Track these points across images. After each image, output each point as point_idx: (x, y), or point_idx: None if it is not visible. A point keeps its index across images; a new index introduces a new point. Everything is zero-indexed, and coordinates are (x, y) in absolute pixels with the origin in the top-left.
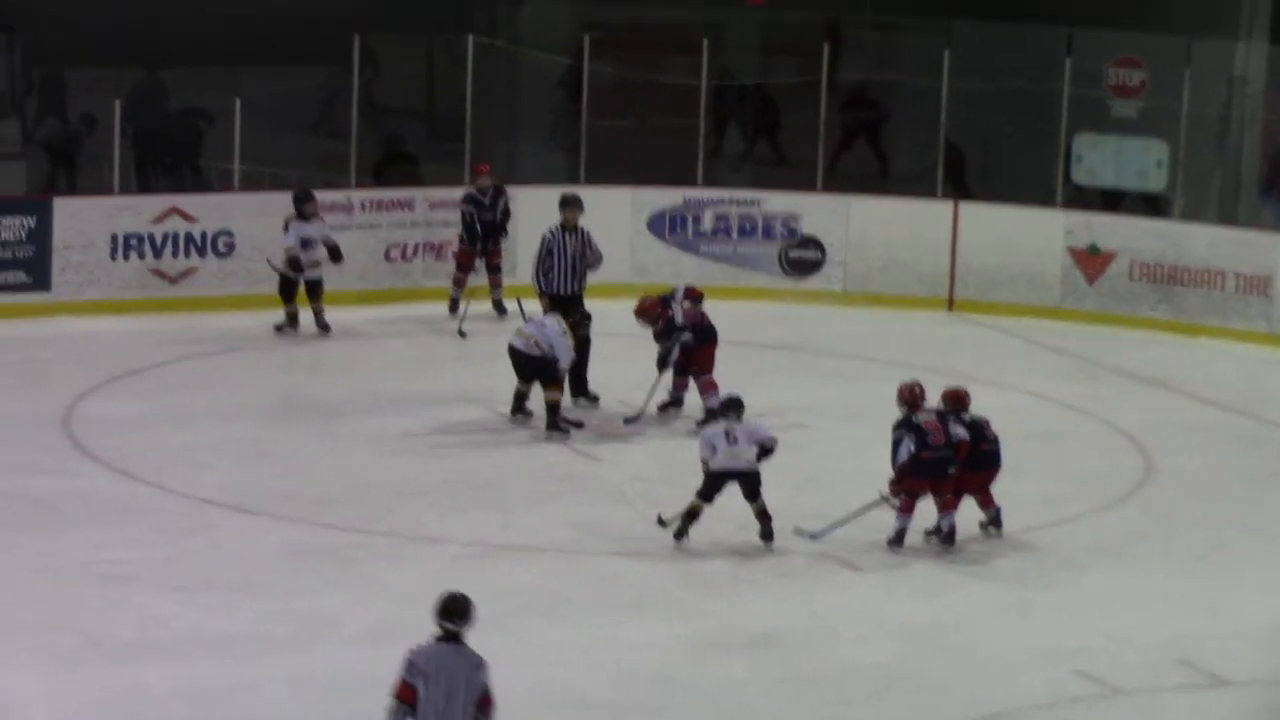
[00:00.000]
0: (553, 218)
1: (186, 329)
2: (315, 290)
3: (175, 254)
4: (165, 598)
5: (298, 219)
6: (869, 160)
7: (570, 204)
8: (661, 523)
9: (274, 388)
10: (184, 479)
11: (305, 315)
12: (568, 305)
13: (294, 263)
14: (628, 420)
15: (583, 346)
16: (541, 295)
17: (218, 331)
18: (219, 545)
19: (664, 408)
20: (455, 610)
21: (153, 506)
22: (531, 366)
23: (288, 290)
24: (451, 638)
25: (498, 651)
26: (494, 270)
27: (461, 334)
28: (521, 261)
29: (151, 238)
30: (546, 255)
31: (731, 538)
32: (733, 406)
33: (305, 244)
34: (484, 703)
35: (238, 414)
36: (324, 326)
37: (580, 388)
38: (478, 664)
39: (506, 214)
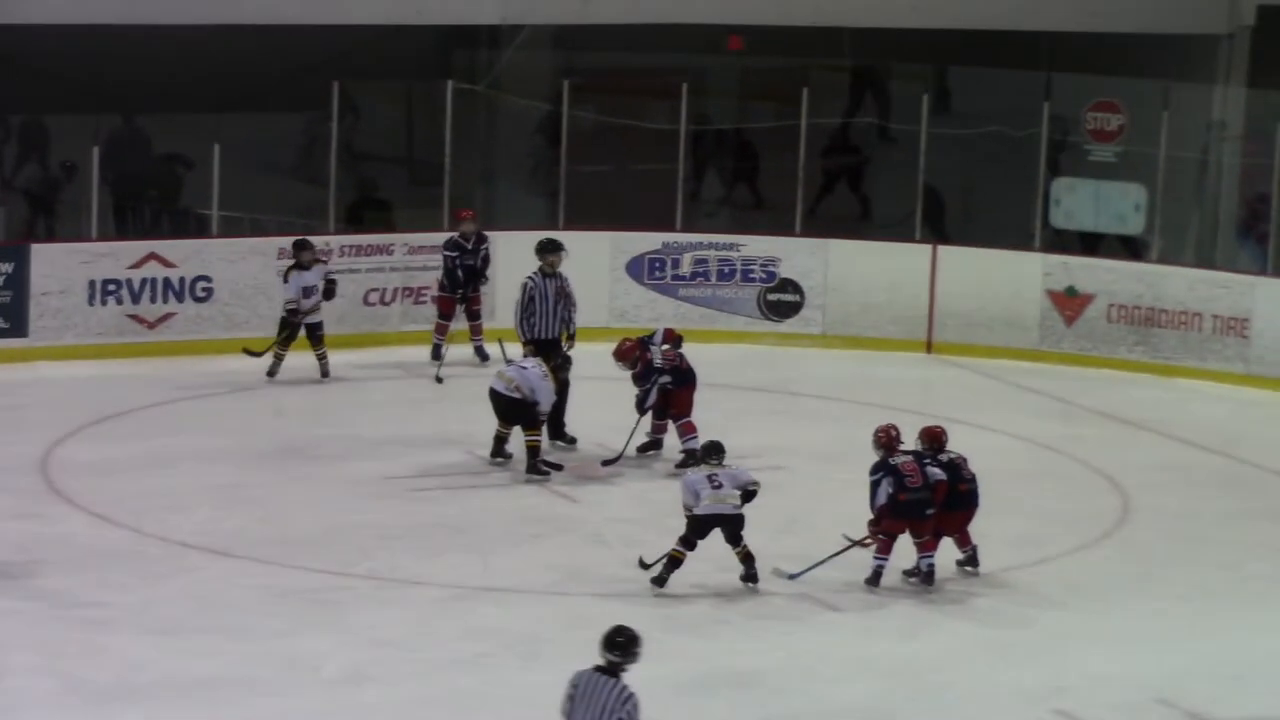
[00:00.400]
0: (533, 262)
1: (164, 373)
2: (317, 335)
3: (154, 299)
4: (144, 641)
5: (297, 269)
6: (850, 204)
7: (552, 249)
8: (643, 565)
9: (253, 431)
10: (162, 523)
11: (293, 360)
12: (549, 348)
13: (293, 313)
14: (606, 462)
15: (562, 389)
16: (526, 343)
17: (196, 376)
18: (198, 589)
19: (643, 450)
20: (614, 644)
21: (131, 550)
22: (512, 409)
23: (288, 336)
24: (608, 669)
25: (475, 693)
26: (474, 317)
27: (439, 380)
28: (500, 306)
29: (130, 283)
30: (529, 302)
31: (711, 579)
32: (714, 451)
33: (307, 292)
34: None
35: (216, 457)
36: (325, 373)
37: (558, 430)
38: (624, 700)
39: (487, 260)
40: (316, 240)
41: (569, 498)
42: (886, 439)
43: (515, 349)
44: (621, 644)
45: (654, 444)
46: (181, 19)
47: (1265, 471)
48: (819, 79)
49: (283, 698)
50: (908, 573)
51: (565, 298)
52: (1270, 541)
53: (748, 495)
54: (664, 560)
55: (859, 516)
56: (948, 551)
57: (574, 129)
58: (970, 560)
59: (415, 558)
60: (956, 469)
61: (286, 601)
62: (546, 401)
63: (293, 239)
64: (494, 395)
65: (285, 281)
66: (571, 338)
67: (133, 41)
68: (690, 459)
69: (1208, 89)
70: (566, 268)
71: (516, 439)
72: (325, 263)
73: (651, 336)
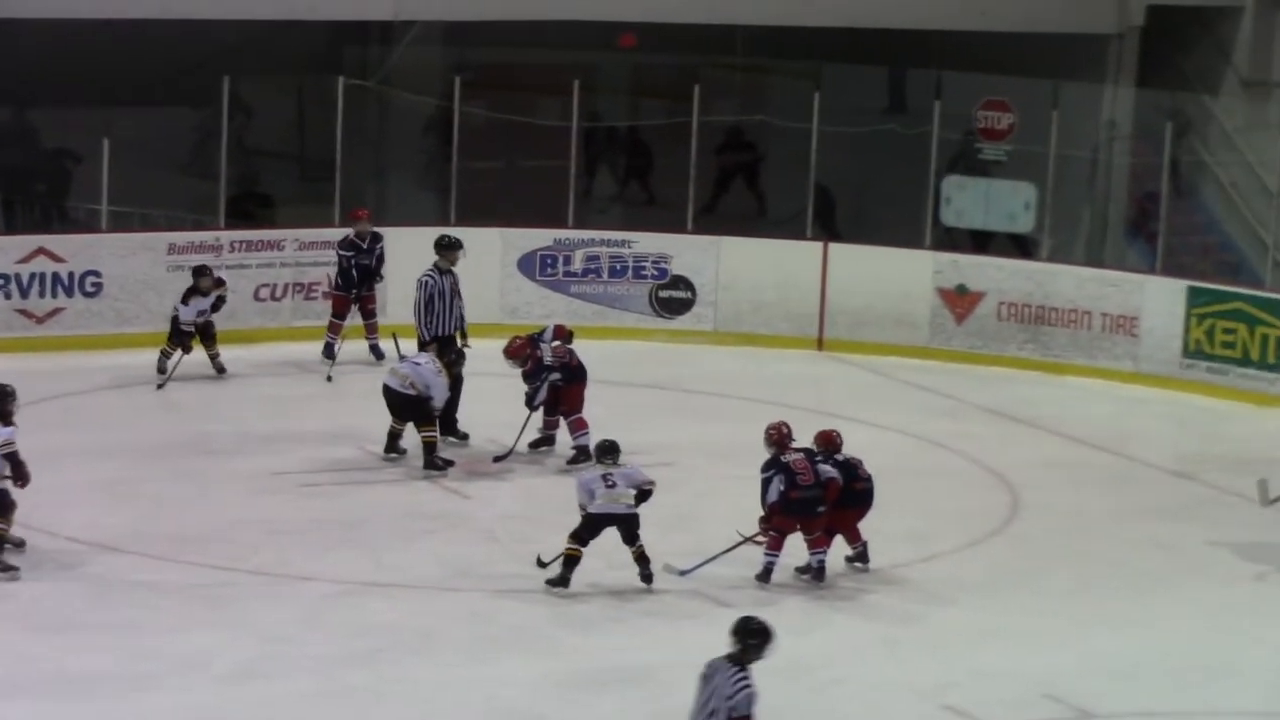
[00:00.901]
0: (425, 258)
1: (53, 369)
2: (209, 334)
3: (42, 294)
4: (32, 638)
5: (196, 293)
6: (745, 201)
7: (453, 246)
8: (541, 564)
9: (142, 427)
10: (50, 518)
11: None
12: (446, 345)
13: (188, 334)
14: (497, 458)
15: (455, 385)
16: (426, 343)
17: (85, 371)
18: (86, 584)
19: (535, 445)
20: (740, 632)
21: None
22: (406, 405)
23: (181, 340)
24: (735, 659)
25: (368, 688)
26: (369, 315)
27: (329, 379)
28: (391, 303)
29: (18, 277)
30: (429, 300)
31: (603, 576)
32: (608, 451)
33: (201, 314)
34: None
35: (106, 453)
36: (221, 369)
37: (450, 426)
38: (739, 688)
39: (382, 259)
40: (207, 235)
41: (460, 494)
42: (778, 436)
43: (409, 344)
44: (743, 633)
45: (546, 440)
46: (72, 13)
47: (1153, 469)
48: (710, 77)
49: (173, 694)
50: (800, 570)
51: (458, 295)
52: (1157, 538)
53: (643, 495)
54: (560, 558)
55: (750, 513)
56: (838, 548)
57: (465, 125)
58: (860, 556)
59: (305, 553)
60: (853, 468)
61: (176, 597)
62: (440, 396)
63: (193, 257)
64: (388, 391)
65: (184, 304)
66: (464, 334)
67: (22, 34)
68: (582, 455)
69: (1098, 88)
70: (461, 263)
71: (409, 435)
72: (224, 284)
73: (542, 333)
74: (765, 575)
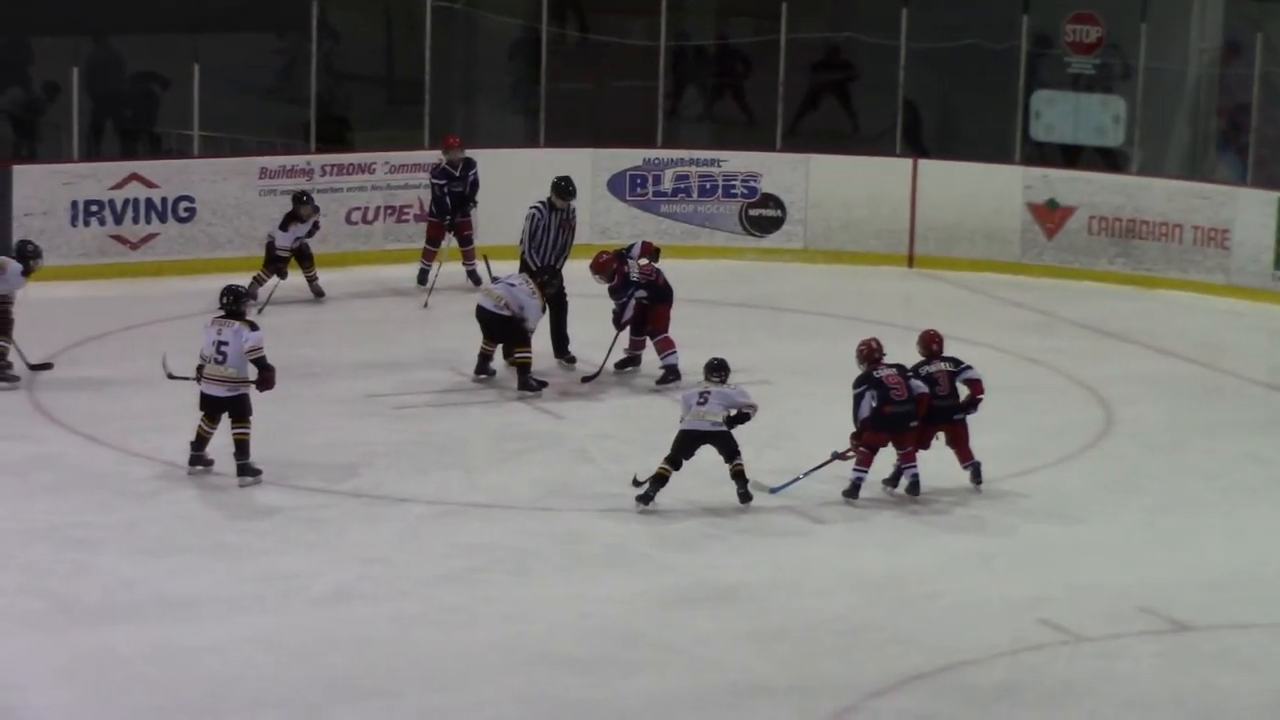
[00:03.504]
0: (514, 180)
1: (148, 294)
2: (306, 256)
3: (136, 220)
4: (132, 561)
5: (296, 220)
6: (835, 119)
7: (563, 194)
8: (636, 483)
9: None
10: (149, 443)
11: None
12: (540, 271)
13: (283, 259)
14: (585, 378)
15: (561, 307)
16: (532, 271)
17: (180, 296)
18: (184, 508)
19: (620, 366)
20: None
21: (117, 471)
22: (499, 326)
23: (277, 265)
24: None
25: (464, 609)
26: (465, 242)
27: (425, 306)
28: (484, 224)
29: (112, 204)
30: (535, 232)
31: (695, 494)
32: (716, 369)
33: (295, 240)
34: None
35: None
36: (319, 293)
37: (561, 348)
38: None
39: (475, 185)
40: (298, 159)
41: (554, 414)
42: (869, 352)
43: (501, 267)
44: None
45: (632, 360)
46: None
47: (1246, 381)
48: None
49: (272, 616)
50: (886, 481)
51: (569, 229)
52: (1251, 451)
53: (741, 417)
54: (651, 478)
55: (843, 430)
56: (930, 463)
57: (553, 46)
58: (974, 475)
59: (401, 475)
60: (934, 382)
61: (274, 520)
62: (534, 318)
63: (285, 181)
64: (481, 312)
65: (282, 230)
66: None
67: None
68: (671, 375)
69: (1186, 1)
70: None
71: (499, 360)
72: (319, 212)
73: (629, 250)
74: (854, 491)
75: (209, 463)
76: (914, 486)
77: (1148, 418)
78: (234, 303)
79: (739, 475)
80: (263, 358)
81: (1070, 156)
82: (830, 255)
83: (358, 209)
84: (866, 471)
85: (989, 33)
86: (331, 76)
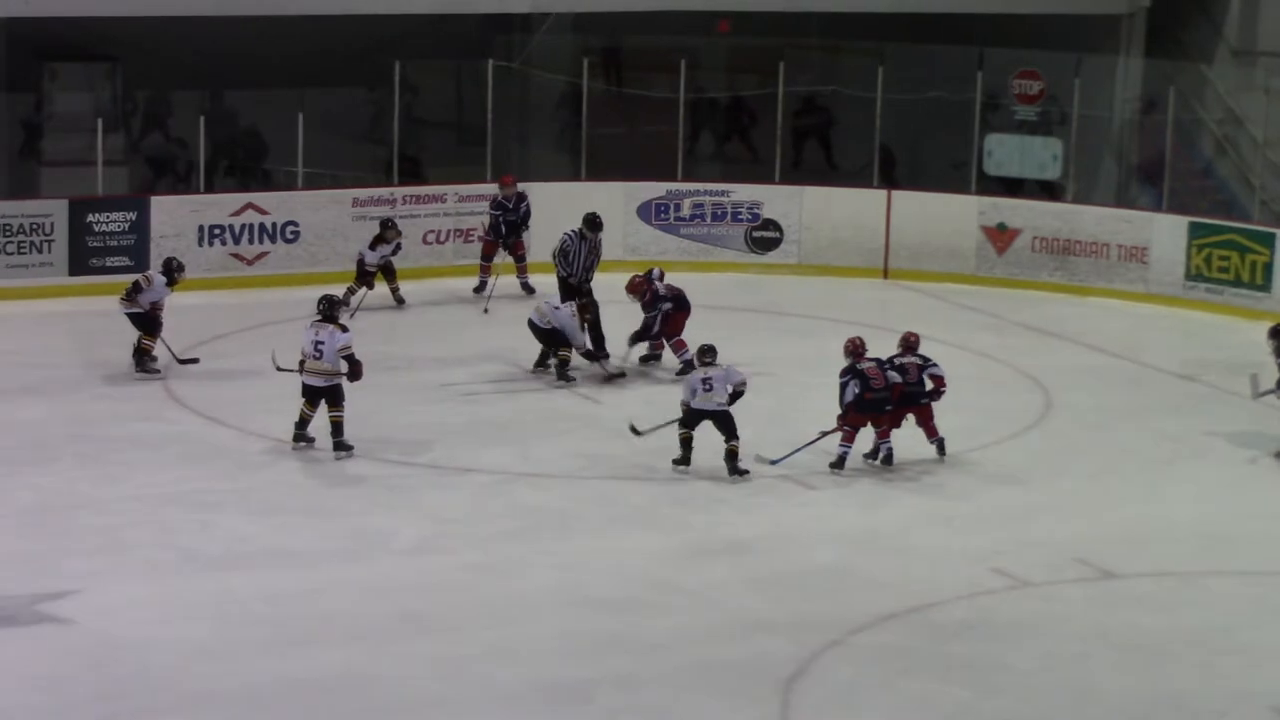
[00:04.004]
0: (561, 210)
1: (261, 301)
2: (391, 271)
3: (251, 241)
4: (247, 520)
5: (383, 242)
6: (819, 158)
7: (592, 226)
8: (635, 431)
9: None
10: (261, 423)
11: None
12: (574, 291)
13: (367, 274)
14: (610, 376)
15: (595, 325)
16: (563, 279)
17: (286, 303)
18: (290, 477)
19: (645, 360)
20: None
21: (236, 446)
22: (546, 336)
23: (365, 279)
24: None
25: (521, 559)
26: (520, 259)
27: (485, 311)
28: (534, 247)
29: (231, 227)
30: (564, 252)
31: (709, 463)
32: (707, 352)
33: (382, 257)
34: None
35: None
36: (401, 301)
37: (599, 346)
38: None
39: (527, 215)
40: (383, 191)
41: (592, 399)
42: (853, 348)
43: (539, 280)
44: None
45: (654, 356)
46: (269, 10)
47: (1162, 373)
48: (792, 55)
49: (363, 565)
50: (867, 455)
51: (596, 254)
52: (1167, 430)
53: (736, 394)
54: (681, 441)
55: (830, 412)
56: (902, 439)
57: (592, 98)
58: (939, 448)
59: (468, 449)
60: (905, 372)
61: (364, 486)
62: (576, 339)
63: (373, 209)
64: (532, 325)
65: (371, 250)
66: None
67: (230, 29)
68: (688, 368)
69: (1112, 59)
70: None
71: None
72: (401, 235)
73: (651, 272)
74: (840, 463)
75: (310, 440)
76: (888, 458)
77: (1081, 402)
78: (329, 309)
79: (732, 455)
80: (352, 355)
81: (1016, 188)
82: (820, 269)
83: (432, 231)
84: (850, 447)
85: (950, 86)
86: (411, 123)
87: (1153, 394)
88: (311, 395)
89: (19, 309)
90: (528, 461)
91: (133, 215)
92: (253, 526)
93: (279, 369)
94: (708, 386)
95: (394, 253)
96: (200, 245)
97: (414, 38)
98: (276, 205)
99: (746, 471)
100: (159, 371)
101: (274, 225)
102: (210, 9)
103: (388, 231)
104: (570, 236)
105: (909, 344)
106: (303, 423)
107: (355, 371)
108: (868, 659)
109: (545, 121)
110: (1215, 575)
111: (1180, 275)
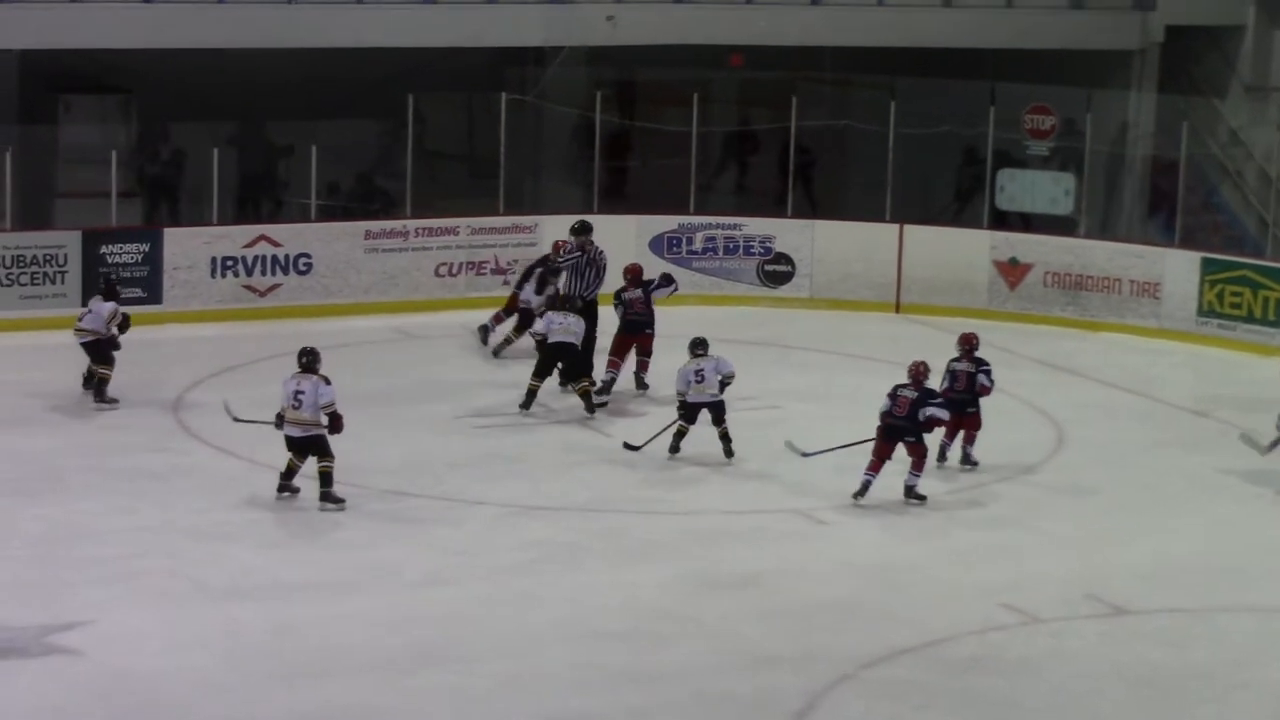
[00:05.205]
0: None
1: (273, 333)
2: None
3: (264, 272)
4: (256, 552)
5: (548, 287)
6: (827, 195)
7: (585, 229)
8: (629, 447)
9: (345, 379)
10: (271, 456)
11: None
12: (567, 302)
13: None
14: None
15: (589, 340)
16: (559, 303)
17: (298, 335)
18: (300, 508)
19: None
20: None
21: (245, 477)
22: (568, 355)
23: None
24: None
25: (530, 593)
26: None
27: (497, 356)
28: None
29: (244, 259)
30: (570, 272)
31: (718, 501)
32: (698, 345)
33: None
34: None
35: None
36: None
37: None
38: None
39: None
40: (395, 223)
41: (603, 432)
42: (916, 372)
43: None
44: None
45: (609, 383)
46: (283, 43)
47: (1174, 408)
48: (804, 90)
49: (373, 597)
50: (939, 459)
51: (594, 266)
52: (1179, 466)
53: (725, 383)
54: (674, 433)
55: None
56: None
57: (605, 131)
58: (965, 457)
59: (479, 482)
60: (955, 378)
61: (375, 518)
62: (583, 333)
63: (379, 230)
64: (560, 348)
65: (537, 293)
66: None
67: (245, 61)
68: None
69: (1125, 94)
70: (602, 242)
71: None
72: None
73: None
74: (863, 492)
75: (295, 490)
76: (910, 492)
77: (1093, 437)
78: (311, 361)
79: (725, 436)
80: (335, 410)
81: (1028, 222)
82: (831, 303)
83: (444, 264)
84: (874, 476)
85: (962, 121)
86: (423, 155)
87: (1165, 430)
88: (294, 447)
89: (32, 340)
90: (538, 494)
91: (146, 247)
92: (262, 558)
93: (235, 420)
94: (699, 378)
95: (549, 303)
96: (213, 277)
97: (427, 70)
98: (289, 237)
99: (734, 454)
100: (116, 401)
101: (286, 257)
102: (223, 41)
103: (553, 277)
104: (572, 256)
105: (966, 344)
106: (289, 473)
107: (336, 426)
108: (878, 694)
109: (558, 154)
110: (1227, 611)
111: (1192, 311)
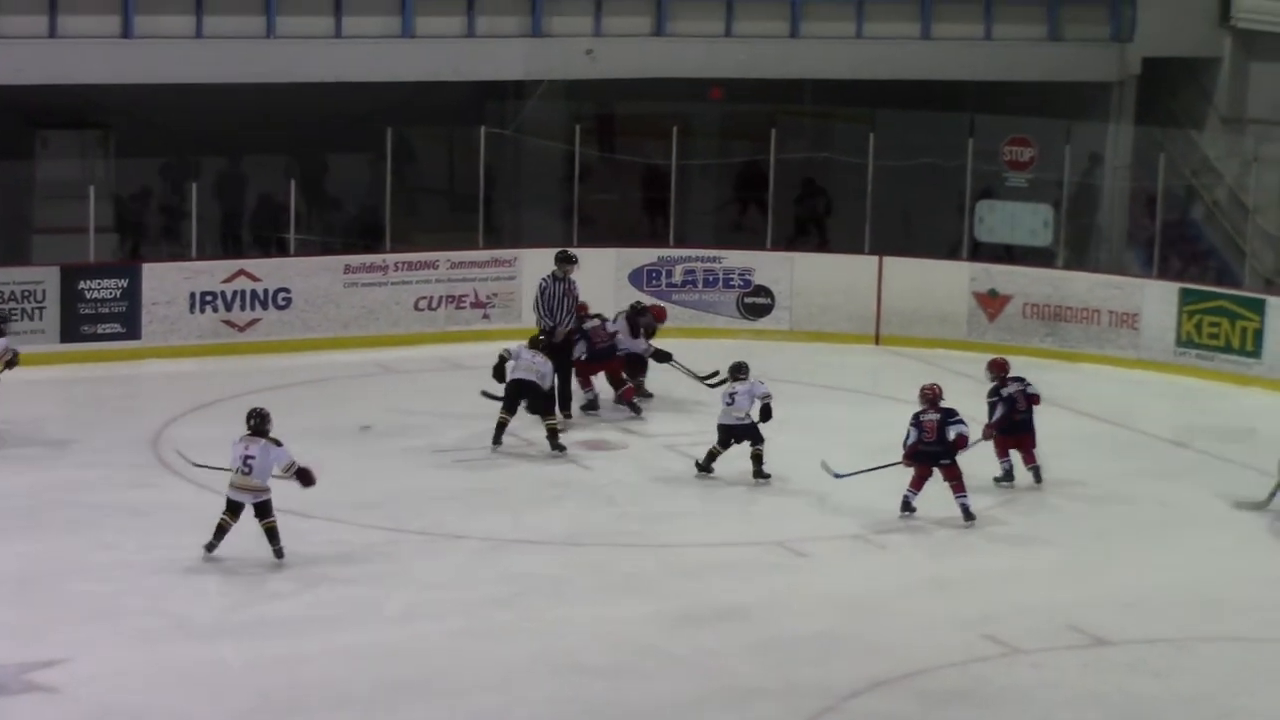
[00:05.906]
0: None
1: (252, 368)
2: (640, 367)
3: (243, 307)
4: (237, 587)
5: (645, 330)
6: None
7: (567, 260)
8: (699, 466)
9: (324, 414)
10: None
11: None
12: (561, 346)
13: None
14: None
15: (565, 372)
16: (547, 334)
17: (278, 370)
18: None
19: (585, 409)
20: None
21: None
22: (533, 393)
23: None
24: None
25: (511, 626)
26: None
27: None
28: (525, 309)
29: (223, 294)
30: (543, 299)
31: (699, 532)
32: (738, 370)
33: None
34: None
35: (295, 436)
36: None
37: (564, 406)
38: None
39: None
40: (375, 258)
41: (582, 464)
42: (932, 394)
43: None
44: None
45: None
46: (263, 78)
47: (1153, 439)
48: (784, 122)
49: (351, 632)
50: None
51: (572, 295)
52: (1158, 495)
53: (766, 410)
54: (707, 453)
55: (822, 479)
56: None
57: (585, 164)
58: (1035, 475)
59: (458, 516)
60: (1013, 402)
61: (354, 553)
62: (549, 376)
63: (359, 264)
64: (522, 385)
65: (633, 337)
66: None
67: (224, 96)
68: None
69: (1103, 127)
70: (581, 276)
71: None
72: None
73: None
74: (906, 505)
75: (213, 549)
76: (966, 513)
77: (1072, 468)
78: (260, 424)
79: (758, 458)
80: (296, 467)
81: (1008, 254)
82: (811, 335)
83: (424, 298)
84: (916, 493)
85: (941, 152)
86: (403, 189)
87: (1144, 460)
88: (233, 510)
89: (10, 376)
90: (519, 527)
91: (124, 282)
92: (244, 594)
93: (195, 465)
94: (730, 400)
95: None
96: (192, 312)
97: (407, 105)
98: (269, 272)
99: (769, 476)
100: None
101: (266, 292)
102: (202, 76)
103: (643, 318)
104: (546, 281)
105: (998, 370)
106: (219, 532)
107: (306, 481)
108: None
109: (538, 187)
110: (1208, 641)
111: (1171, 341)
